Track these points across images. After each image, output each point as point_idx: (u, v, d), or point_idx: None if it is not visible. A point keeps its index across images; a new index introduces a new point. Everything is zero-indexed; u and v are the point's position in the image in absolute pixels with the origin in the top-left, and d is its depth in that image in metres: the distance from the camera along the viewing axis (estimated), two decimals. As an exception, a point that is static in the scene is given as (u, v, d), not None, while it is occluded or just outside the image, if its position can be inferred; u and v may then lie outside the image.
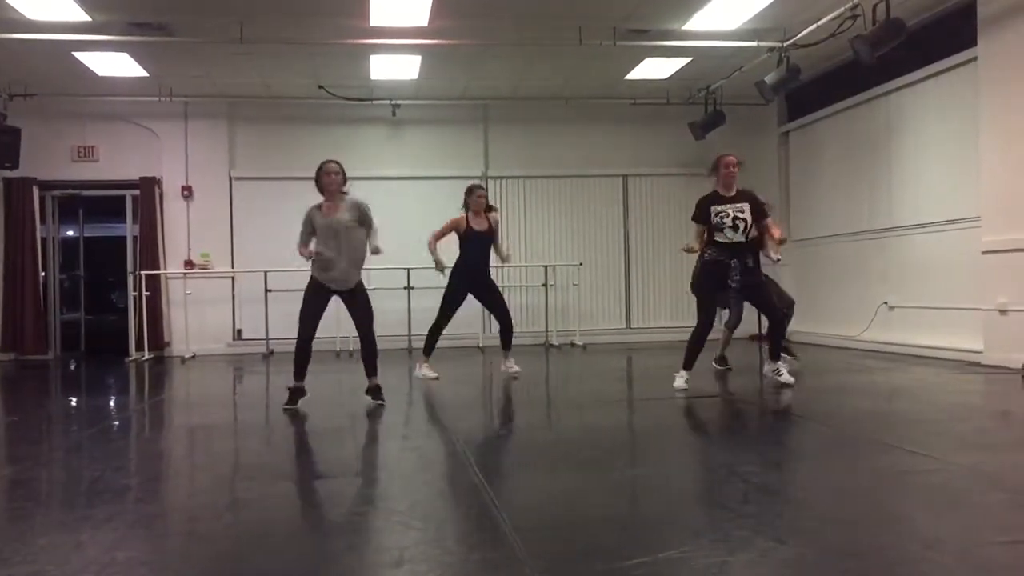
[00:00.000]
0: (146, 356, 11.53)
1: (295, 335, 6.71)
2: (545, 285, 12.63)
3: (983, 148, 8.42)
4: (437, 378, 8.32)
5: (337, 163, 6.71)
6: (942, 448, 4.75)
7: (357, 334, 6.84)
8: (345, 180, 6.71)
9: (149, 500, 4.14)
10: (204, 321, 12.17)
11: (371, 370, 6.84)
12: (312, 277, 6.67)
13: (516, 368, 8.58)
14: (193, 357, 11.78)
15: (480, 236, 8.33)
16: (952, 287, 9.13)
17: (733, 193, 7.07)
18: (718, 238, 7.04)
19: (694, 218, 7.21)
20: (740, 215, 6.97)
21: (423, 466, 4.77)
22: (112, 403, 8.24)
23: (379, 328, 11.62)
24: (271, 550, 3.24)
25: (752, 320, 8.75)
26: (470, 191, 8.42)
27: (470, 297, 8.51)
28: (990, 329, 8.32)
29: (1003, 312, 8.11)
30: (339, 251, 6.55)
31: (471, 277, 8.37)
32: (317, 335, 6.70)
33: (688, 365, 7.16)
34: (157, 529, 3.55)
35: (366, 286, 6.79)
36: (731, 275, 7.04)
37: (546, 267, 12.67)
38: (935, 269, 9.49)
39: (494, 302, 8.58)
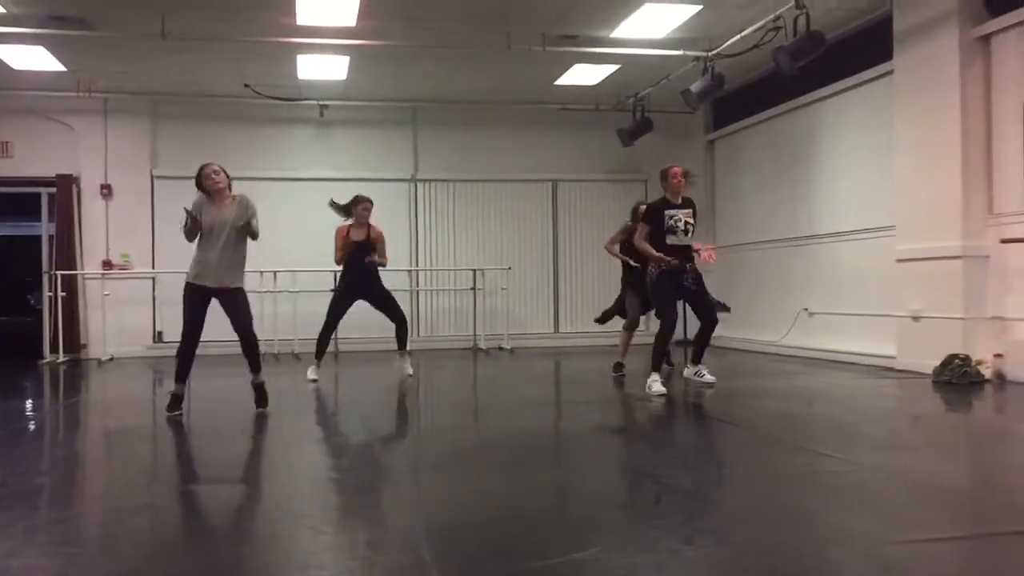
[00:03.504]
0: (61, 359, 11.19)
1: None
2: (474, 289, 12.63)
3: (897, 158, 8.68)
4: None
5: (216, 164, 6.37)
6: (853, 449, 4.87)
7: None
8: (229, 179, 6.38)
9: (52, 506, 4.00)
10: (123, 323, 11.85)
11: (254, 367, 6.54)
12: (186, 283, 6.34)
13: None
14: (111, 359, 11.47)
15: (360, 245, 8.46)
16: (868, 294, 9.38)
17: (680, 201, 7.49)
18: (669, 240, 7.37)
19: (644, 219, 7.52)
20: (689, 220, 7.41)
21: (338, 470, 4.72)
22: (20, 406, 7.95)
23: (305, 331, 11.60)
24: (177, 556, 3.16)
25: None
26: (356, 202, 8.50)
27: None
28: (903, 335, 8.57)
29: (915, 319, 8.35)
30: (222, 250, 6.20)
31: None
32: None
33: (657, 367, 7.35)
34: (58, 536, 3.43)
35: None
36: (684, 278, 7.37)
37: (475, 271, 12.67)
38: (852, 276, 9.74)
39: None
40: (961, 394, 7.10)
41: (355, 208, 8.41)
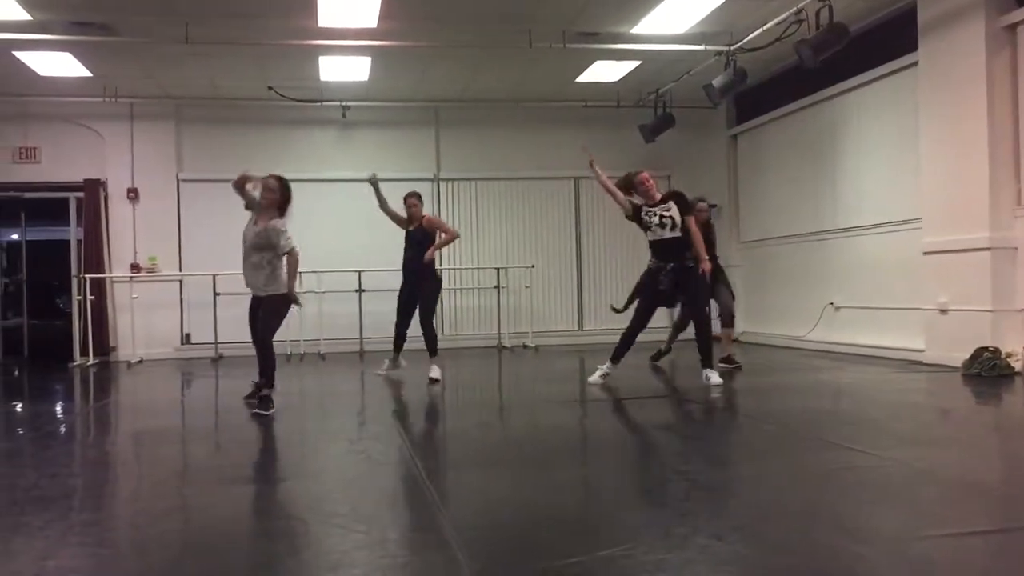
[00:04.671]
0: (91, 361, 11.32)
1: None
2: (497, 287, 12.64)
3: (923, 150, 8.59)
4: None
5: (277, 180, 6.81)
6: (880, 445, 4.84)
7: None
8: (282, 199, 6.74)
9: (85, 507, 4.06)
10: (151, 325, 11.98)
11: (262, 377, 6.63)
12: None
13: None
14: (140, 362, 11.59)
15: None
16: (895, 287, 9.30)
17: (658, 199, 7.56)
18: (650, 237, 7.52)
19: (628, 217, 7.71)
20: (666, 213, 7.41)
21: (368, 469, 4.74)
22: (51, 409, 8.06)
23: (330, 331, 11.70)
24: (208, 556, 3.20)
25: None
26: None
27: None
28: (931, 328, 8.49)
29: (943, 311, 8.28)
30: (246, 260, 6.66)
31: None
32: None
33: (615, 358, 7.59)
34: (91, 537, 3.48)
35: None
36: (660, 279, 7.46)
37: (498, 269, 12.68)
38: (879, 270, 9.66)
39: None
40: (991, 387, 7.03)
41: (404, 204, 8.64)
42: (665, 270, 7.42)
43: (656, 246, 7.52)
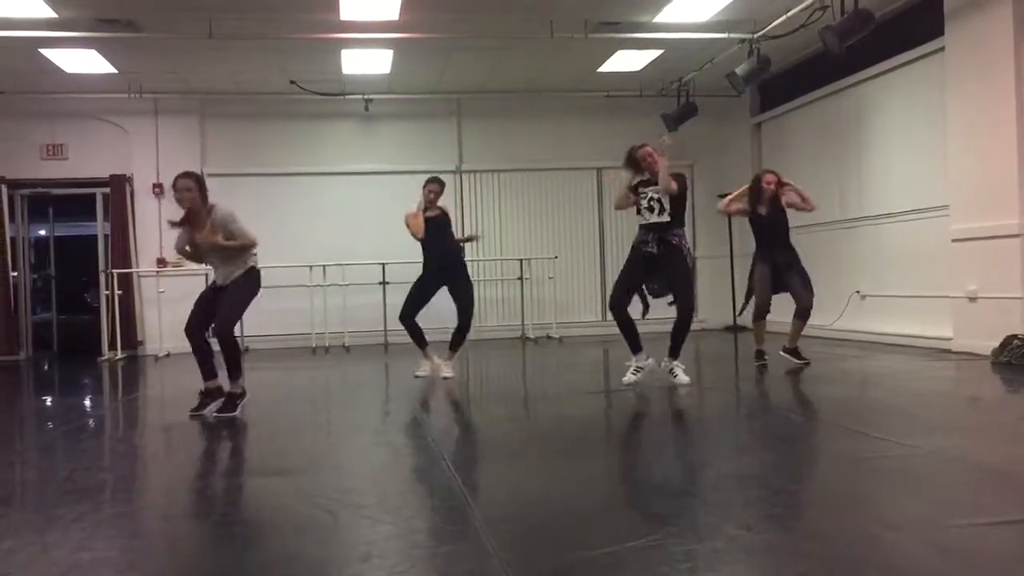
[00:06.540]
0: (119, 355, 11.44)
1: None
2: (520, 278, 12.65)
3: (950, 137, 8.50)
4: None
5: (189, 178, 6.30)
6: (909, 433, 4.80)
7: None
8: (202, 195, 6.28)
9: (118, 500, 4.10)
10: (177, 319, 11.97)
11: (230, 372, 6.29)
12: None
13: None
14: (167, 355, 11.68)
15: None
16: (922, 275, 9.21)
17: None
18: (639, 220, 7.01)
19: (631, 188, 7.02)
20: (655, 197, 6.84)
21: (394, 461, 4.77)
22: (83, 403, 8.16)
23: (354, 323, 11.75)
24: (239, 547, 3.23)
25: (727, 312, 8.73)
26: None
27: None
28: (959, 316, 8.41)
29: (972, 299, 8.20)
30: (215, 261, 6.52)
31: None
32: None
33: (635, 349, 7.01)
34: (125, 529, 3.53)
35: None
36: (647, 247, 6.91)
37: (521, 260, 12.68)
38: (906, 257, 9.58)
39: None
40: (1021, 375, 6.96)
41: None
42: (648, 241, 6.89)
43: (643, 228, 6.98)
